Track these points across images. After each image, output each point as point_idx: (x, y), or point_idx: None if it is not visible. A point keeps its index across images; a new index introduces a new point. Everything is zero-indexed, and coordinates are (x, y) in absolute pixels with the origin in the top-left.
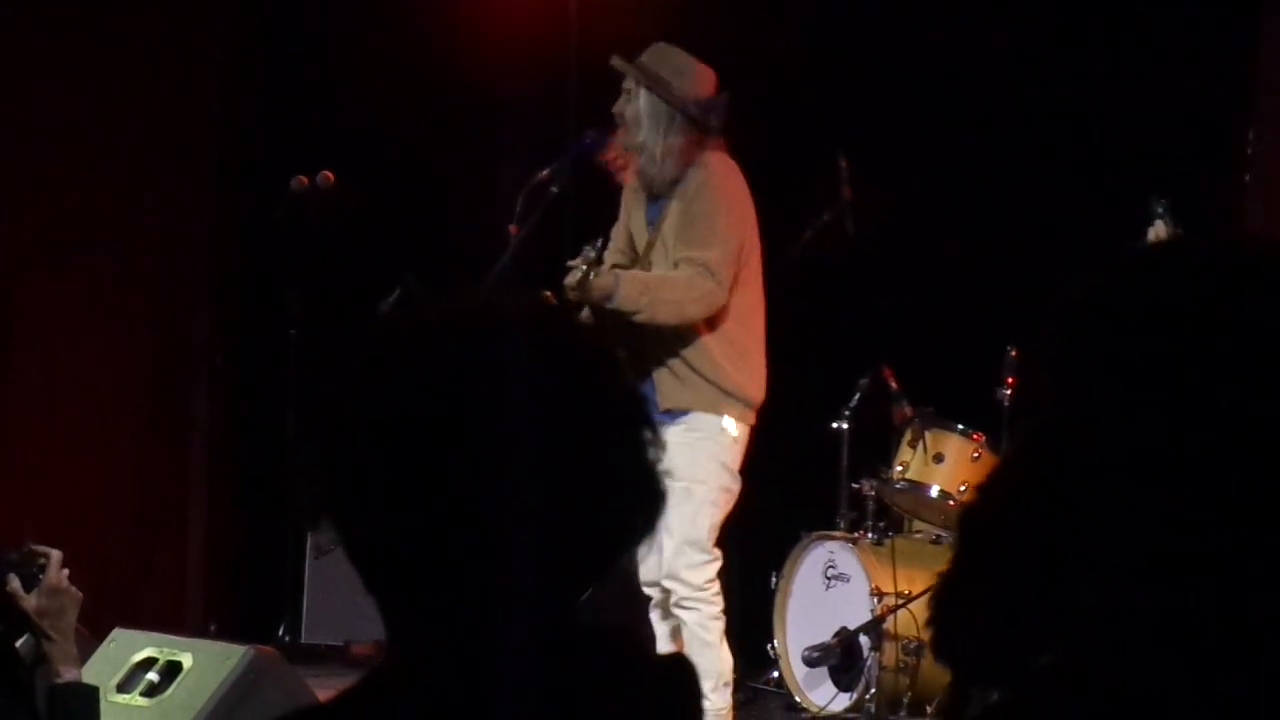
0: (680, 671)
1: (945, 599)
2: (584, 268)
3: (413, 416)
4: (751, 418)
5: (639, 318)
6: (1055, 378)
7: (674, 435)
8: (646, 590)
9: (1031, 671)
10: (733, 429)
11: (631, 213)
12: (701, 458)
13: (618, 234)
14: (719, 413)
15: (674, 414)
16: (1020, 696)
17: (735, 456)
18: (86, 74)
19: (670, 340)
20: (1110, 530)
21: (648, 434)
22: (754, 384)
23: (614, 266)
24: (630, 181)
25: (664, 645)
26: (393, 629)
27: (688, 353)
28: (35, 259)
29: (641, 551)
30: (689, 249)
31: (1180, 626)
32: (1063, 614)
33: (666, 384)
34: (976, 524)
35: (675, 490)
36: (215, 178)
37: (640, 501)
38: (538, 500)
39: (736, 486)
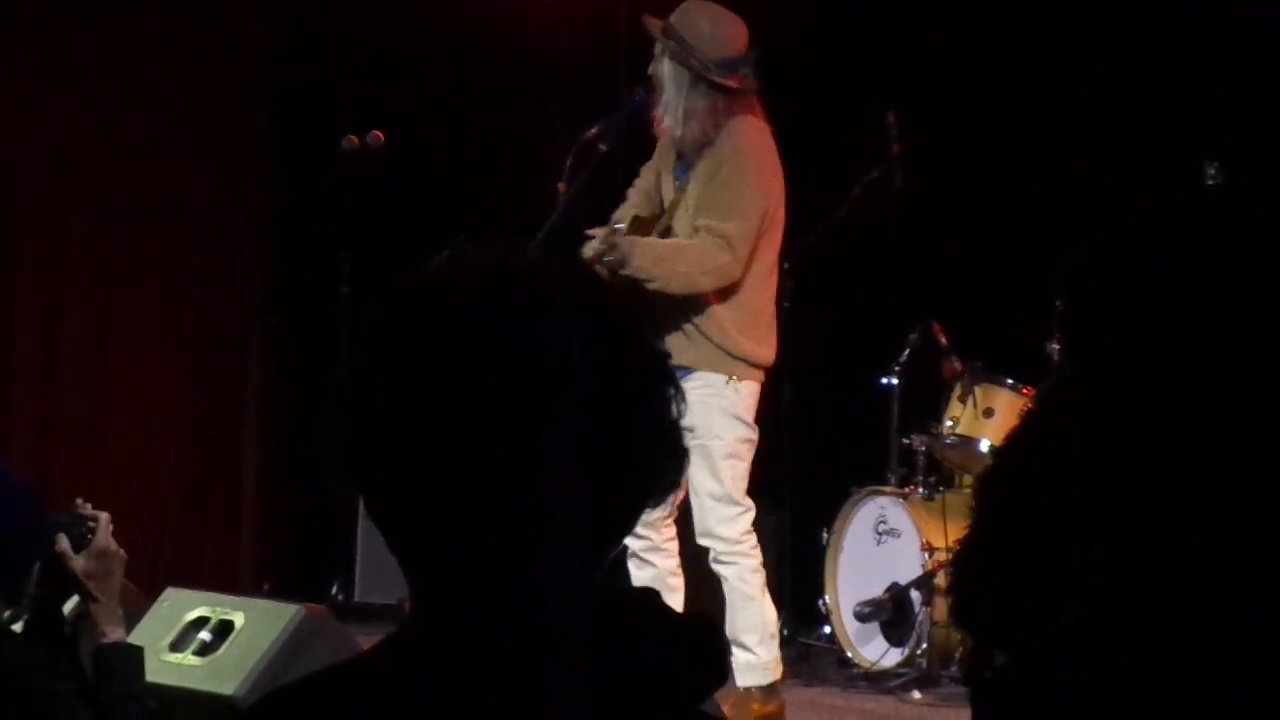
0: (705, 629)
1: (964, 564)
2: (602, 246)
3: (441, 378)
4: (761, 376)
5: (651, 286)
6: (1068, 341)
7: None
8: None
9: (1048, 633)
10: (737, 383)
11: (662, 168)
12: (714, 414)
13: (644, 179)
14: (722, 372)
15: (680, 370)
16: (1035, 657)
17: (748, 407)
18: (139, 38)
19: (681, 302)
20: (1122, 491)
21: (671, 390)
22: (764, 349)
23: (634, 219)
24: (665, 138)
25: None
26: (417, 588)
27: (697, 315)
28: (87, 221)
29: None
30: (710, 217)
31: (1192, 587)
32: (1078, 575)
33: (675, 342)
34: (993, 488)
35: (691, 449)
36: (267, 139)
37: (665, 456)
38: (569, 458)
39: (754, 435)
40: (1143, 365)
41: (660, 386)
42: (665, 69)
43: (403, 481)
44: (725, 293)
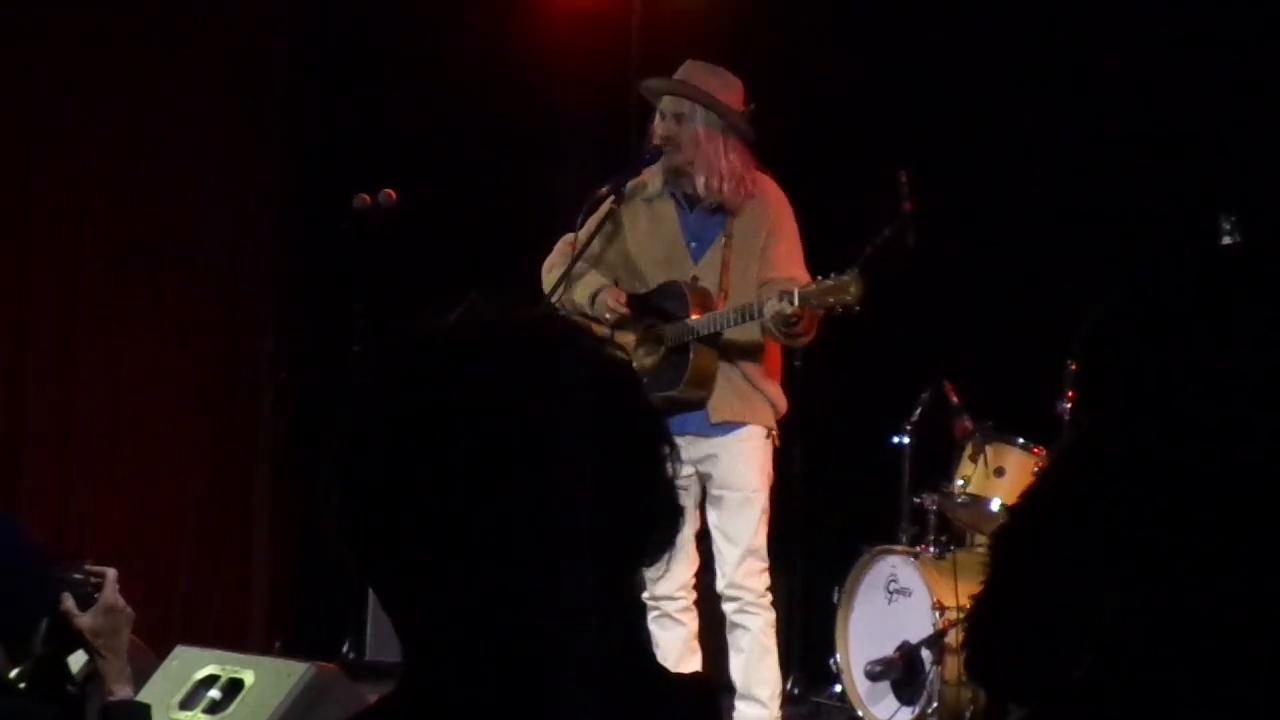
0: (703, 691)
1: (979, 619)
2: (831, 300)
3: (439, 436)
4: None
5: (801, 342)
6: (1084, 396)
7: (723, 446)
8: (652, 602)
9: (1063, 688)
10: (768, 439)
11: (640, 225)
12: (755, 467)
13: (596, 248)
14: (764, 424)
15: (725, 427)
16: (1050, 712)
17: (772, 465)
18: (153, 92)
19: (737, 356)
20: (1138, 547)
21: (666, 449)
22: (782, 397)
23: (590, 277)
24: (647, 181)
25: (668, 656)
26: (410, 648)
27: (754, 370)
28: (101, 274)
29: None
30: (788, 269)
31: (1208, 642)
32: (1093, 630)
33: (727, 396)
34: (1008, 544)
35: (734, 500)
36: (280, 195)
37: (661, 514)
38: (568, 517)
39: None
40: (1160, 422)
41: (657, 445)
42: (698, 128)
43: (399, 541)
44: (770, 347)
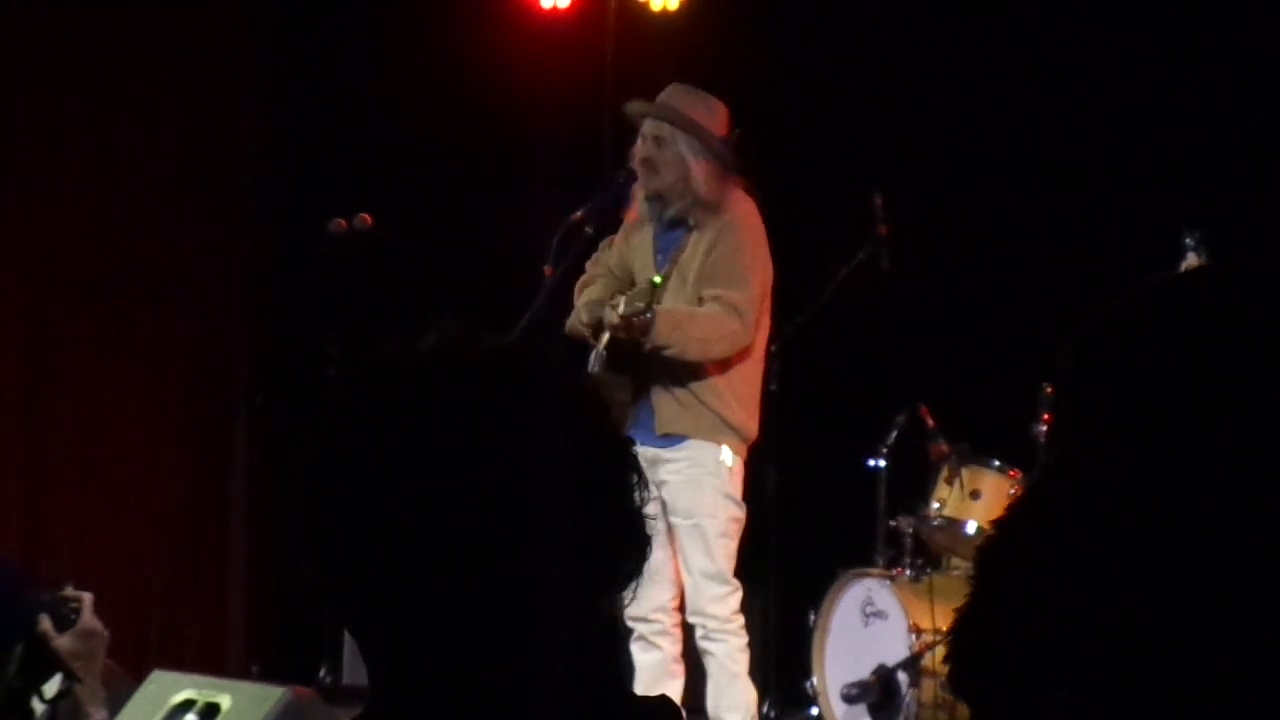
0: (664, 714)
1: (963, 635)
2: (640, 305)
3: (403, 465)
4: (745, 450)
5: (668, 353)
6: (1066, 413)
7: (674, 471)
8: (631, 624)
9: (1048, 707)
10: (729, 459)
11: (633, 244)
12: (706, 493)
13: (608, 257)
14: (717, 442)
15: (671, 440)
16: None
17: (736, 486)
18: (126, 117)
19: (678, 367)
20: (1122, 568)
21: (635, 478)
22: (753, 421)
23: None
24: (634, 217)
25: (643, 678)
26: (375, 672)
27: (695, 382)
28: (73, 300)
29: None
30: (719, 288)
31: (1191, 668)
32: (1078, 648)
33: (667, 409)
34: (992, 559)
35: (685, 528)
36: (254, 220)
37: (628, 543)
38: (535, 546)
39: (742, 514)
40: (1143, 441)
41: (625, 474)
42: (679, 149)
43: (363, 567)
44: (723, 363)
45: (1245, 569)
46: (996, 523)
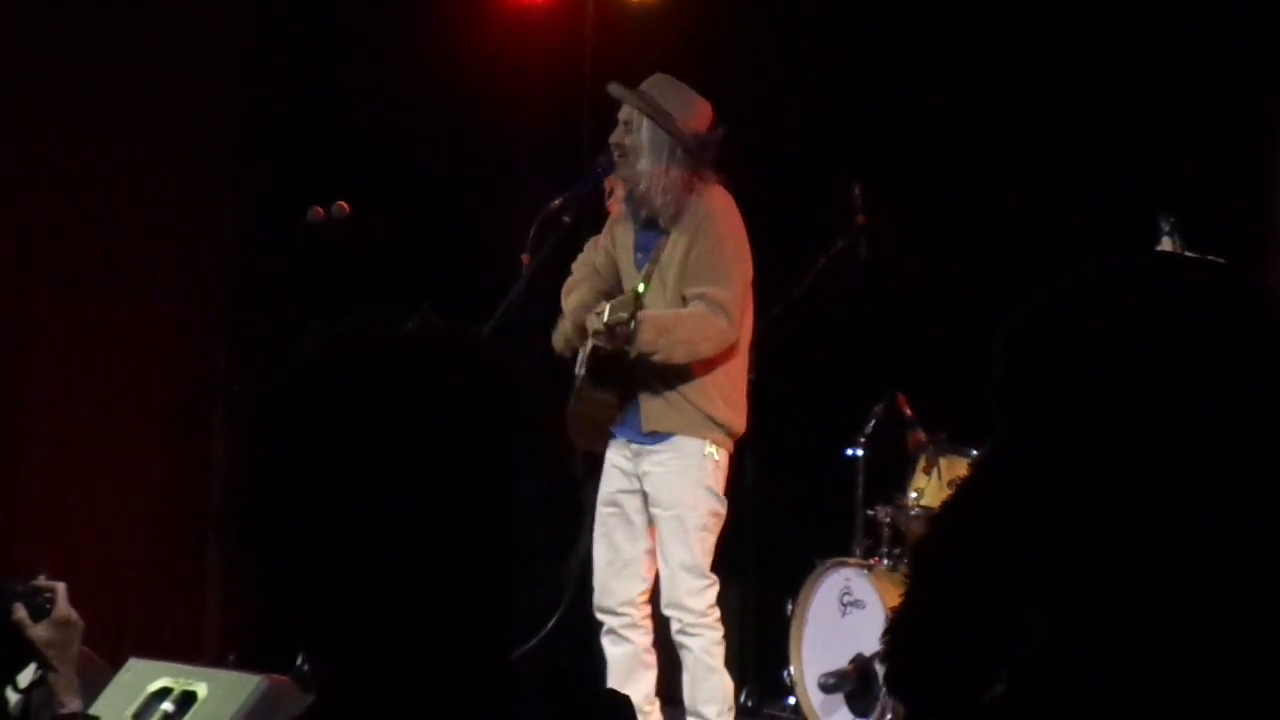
0: (615, 708)
1: (898, 633)
2: (624, 315)
3: (315, 449)
4: (731, 445)
5: (655, 358)
6: (1000, 405)
7: (658, 463)
8: (600, 616)
9: (982, 704)
10: (714, 454)
11: (617, 241)
12: (688, 484)
13: (592, 255)
14: (702, 437)
15: (657, 437)
16: None
17: (719, 480)
18: (105, 107)
19: (664, 368)
20: (1054, 557)
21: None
22: (739, 416)
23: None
24: (617, 212)
25: (616, 671)
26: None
27: (680, 381)
28: (50, 291)
29: (598, 579)
30: (702, 285)
31: (1127, 660)
32: (1011, 645)
33: (653, 406)
34: (927, 556)
35: (666, 519)
36: (231, 209)
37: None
38: (438, 528)
39: (723, 509)
40: (1075, 432)
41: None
42: (644, 137)
43: (282, 548)
44: (710, 360)
45: (1173, 562)
46: (931, 519)
